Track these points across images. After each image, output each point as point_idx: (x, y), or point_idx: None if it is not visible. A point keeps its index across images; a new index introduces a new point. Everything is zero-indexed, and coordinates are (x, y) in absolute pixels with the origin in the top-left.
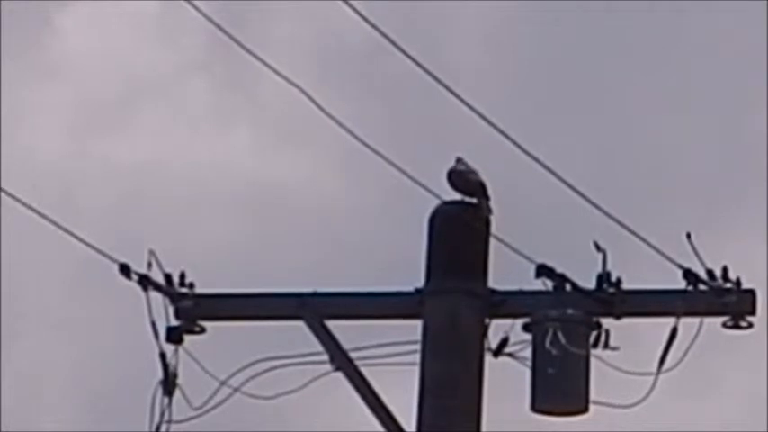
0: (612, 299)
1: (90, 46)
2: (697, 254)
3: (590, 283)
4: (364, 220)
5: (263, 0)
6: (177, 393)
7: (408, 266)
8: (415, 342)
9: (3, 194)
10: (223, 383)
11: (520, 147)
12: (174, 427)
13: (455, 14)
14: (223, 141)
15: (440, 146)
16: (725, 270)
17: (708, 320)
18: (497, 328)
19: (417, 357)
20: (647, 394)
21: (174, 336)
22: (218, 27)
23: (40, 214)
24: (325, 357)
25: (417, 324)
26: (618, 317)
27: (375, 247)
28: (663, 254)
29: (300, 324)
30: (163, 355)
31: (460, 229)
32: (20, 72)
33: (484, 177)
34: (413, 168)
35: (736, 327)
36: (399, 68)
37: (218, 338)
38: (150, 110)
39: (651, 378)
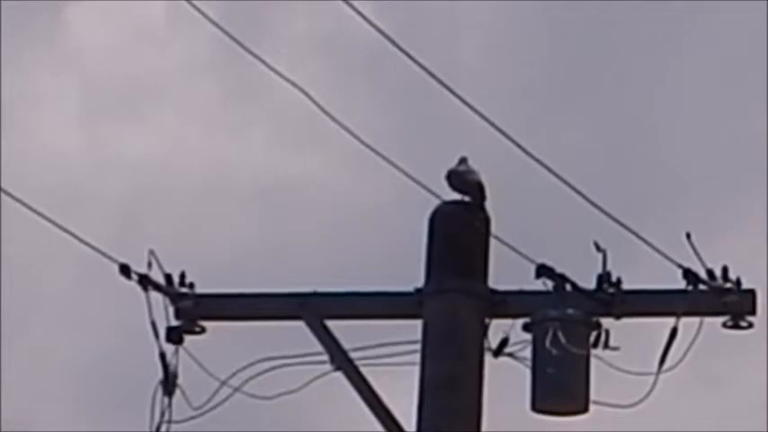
0: (612, 299)
1: (98, 42)
2: (697, 254)
3: (590, 283)
4: (365, 219)
5: (270, 0)
6: (177, 393)
7: (408, 266)
8: (415, 342)
9: (3, 194)
10: (223, 383)
11: (520, 147)
12: (174, 427)
13: (457, 15)
14: (225, 141)
15: (441, 146)
16: (725, 270)
17: (708, 320)
18: (497, 328)
19: (417, 357)
20: (647, 394)
21: (174, 336)
22: (223, 30)
23: (39, 214)
24: (325, 357)
25: (417, 324)
26: (618, 317)
27: (375, 247)
28: (663, 254)
29: (300, 324)
30: (163, 355)
31: (460, 229)
32: (26, 67)
33: (484, 177)
34: (413, 168)
35: (736, 327)
36: (401, 69)
37: (218, 338)
38: (156, 108)
39: (651, 378)
